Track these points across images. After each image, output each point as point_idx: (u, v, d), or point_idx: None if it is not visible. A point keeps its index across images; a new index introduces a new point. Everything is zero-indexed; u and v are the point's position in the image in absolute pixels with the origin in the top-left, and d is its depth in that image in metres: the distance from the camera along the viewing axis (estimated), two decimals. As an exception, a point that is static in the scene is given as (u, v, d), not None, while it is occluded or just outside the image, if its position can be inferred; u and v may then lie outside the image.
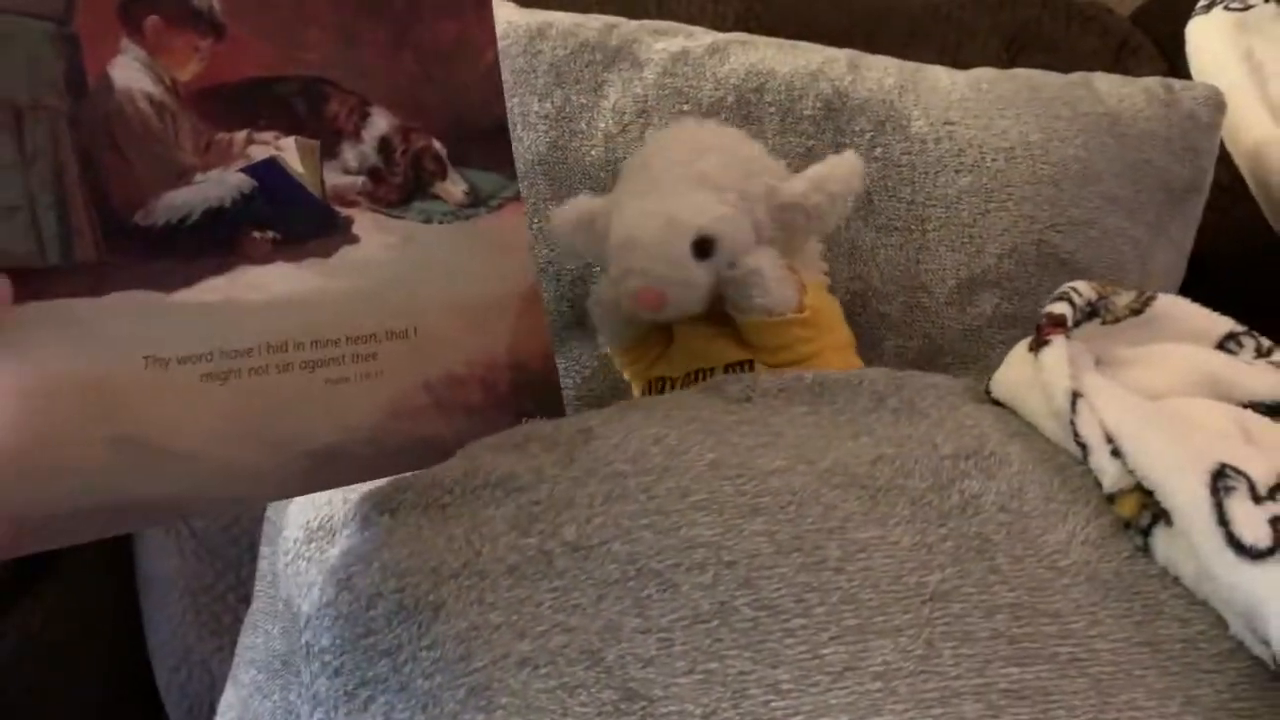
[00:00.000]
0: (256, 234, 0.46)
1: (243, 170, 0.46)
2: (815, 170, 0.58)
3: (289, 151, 0.48)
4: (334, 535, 0.47)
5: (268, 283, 0.46)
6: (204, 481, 0.44)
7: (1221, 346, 0.52)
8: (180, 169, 0.45)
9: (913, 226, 0.68)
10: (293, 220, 0.47)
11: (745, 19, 0.84)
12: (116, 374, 0.42)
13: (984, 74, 0.73)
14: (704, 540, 0.41)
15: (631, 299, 0.56)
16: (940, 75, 0.73)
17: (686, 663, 0.37)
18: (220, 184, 0.46)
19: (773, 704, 0.36)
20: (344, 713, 0.42)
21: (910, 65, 0.74)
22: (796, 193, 0.57)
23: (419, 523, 0.44)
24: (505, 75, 0.57)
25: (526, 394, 0.56)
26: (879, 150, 0.69)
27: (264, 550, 0.56)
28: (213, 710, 0.56)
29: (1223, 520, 0.37)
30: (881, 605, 0.39)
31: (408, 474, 0.48)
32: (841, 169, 0.57)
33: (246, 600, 0.58)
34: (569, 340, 0.72)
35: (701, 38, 0.73)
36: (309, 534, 0.48)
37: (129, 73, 0.44)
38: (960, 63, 0.75)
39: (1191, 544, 0.38)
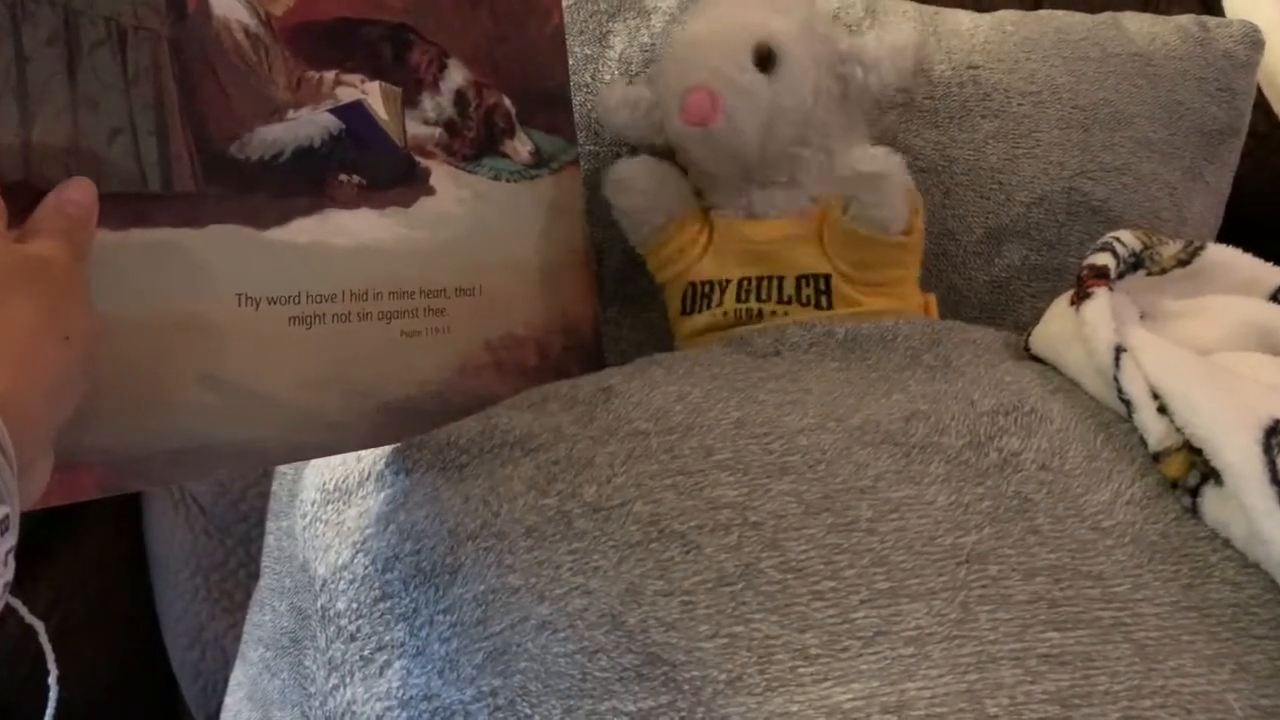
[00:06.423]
0: (343, 177, 0.46)
1: (330, 111, 0.46)
2: (875, 32, 0.57)
3: (374, 96, 0.48)
4: (350, 497, 0.46)
5: (354, 228, 0.46)
6: (286, 428, 0.44)
7: (1275, 299, 0.50)
8: (273, 104, 0.44)
9: (939, 167, 0.66)
10: (377, 166, 0.47)
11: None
12: (210, 310, 0.42)
13: (1008, 16, 0.71)
14: (728, 501, 0.39)
15: (684, 110, 0.52)
16: (962, 18, 0.70)
17: (710, 626, 0.36)
18: (311, 123, 0.45)
19: (800, 669, 0.35)
20: (360, 678, 0.42)
21: (929, 9, 0.71)
22: (857, 43, 0.56)
23: (435, 483, 0.43)
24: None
25: (575, 358, 0.55)
26: (900, 96, 0.67)
27: (270, 525, 0.54)
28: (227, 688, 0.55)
29: (1276, 479, 0.36)
30: (915, 567, 0.37)
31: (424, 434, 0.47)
32: (904, 30, 0.57)
33: (257, 576, 0.57)
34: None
35: (713, -16, 0.70)
36: (325, 496, 0.47)
37: (226, 1, 0.43)
38: (982, 8, 0.73)
39: (1243, 504, 0.36)
